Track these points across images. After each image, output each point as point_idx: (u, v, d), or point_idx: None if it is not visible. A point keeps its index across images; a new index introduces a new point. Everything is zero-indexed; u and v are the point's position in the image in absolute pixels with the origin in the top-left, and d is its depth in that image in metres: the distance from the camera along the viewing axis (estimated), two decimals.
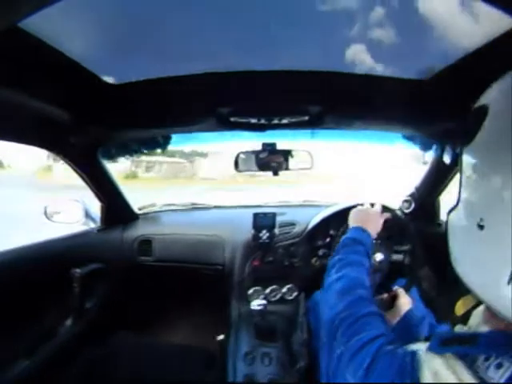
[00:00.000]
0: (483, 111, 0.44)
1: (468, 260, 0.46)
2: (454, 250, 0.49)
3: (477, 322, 0.48)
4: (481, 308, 0.49)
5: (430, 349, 0.43)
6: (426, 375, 0.41)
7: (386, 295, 0.99)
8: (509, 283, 0.37)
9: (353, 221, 0.89)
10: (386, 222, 0.96)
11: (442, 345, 0.42)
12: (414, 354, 0.44)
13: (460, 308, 0.53)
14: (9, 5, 0.40)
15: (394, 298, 0.97)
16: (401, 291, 0.99)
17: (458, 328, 0.50)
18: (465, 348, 0.41)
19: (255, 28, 0.78)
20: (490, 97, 0.46)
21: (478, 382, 0.37)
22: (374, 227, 0.87)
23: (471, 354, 0.40)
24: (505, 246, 0.37)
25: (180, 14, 0.75)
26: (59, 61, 0.70)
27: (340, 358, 0.51)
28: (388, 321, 0.92)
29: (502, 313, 0.39)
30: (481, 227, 0.41)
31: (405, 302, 0.94)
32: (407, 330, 0.87)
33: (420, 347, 0.45)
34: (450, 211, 0.51)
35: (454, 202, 0.51)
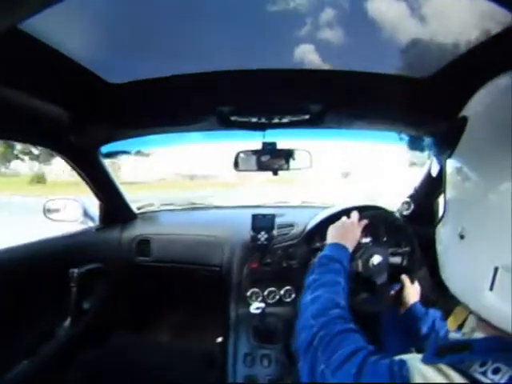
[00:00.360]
0: (463, 123, 0.46)
1: (452, 270, 0.47)
2: (440, 260, 0.51)
3: (470, 329, 0.48)
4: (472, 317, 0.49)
5: (424, 360, 0.42)
6: (415, 378, 0.40)
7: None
8: (491, 290, 0.38)
9: (330, 237, 0.90)
10: (366, 227, 0.99)
11: (437, 355, 0.42)
12: (402, 362, 0.43)
13: (452, 323, 0.52)
14: (9, 6, 0.40)
15: (401, 287, 0.99)
16: (407, 281, 1.01)
17: (452, 335, 0.50)
18: (460, 356, 0.40)
19: (254, 27, 0.78)
20: (469, 108, 0.48)
21: None
22: (352, 239, 0.89)
23: (467, 360, 0.39)
24: (484, 255, 0.39)
25: (180, 14, 0.75)
26: (59, 60, 0.71)
27: (323, 374, 0.51)
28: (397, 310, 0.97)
29: (488, 320, 0.40)
30: (462, 237, 0.43)
31: (411, 292, 0.97)
32: (411, 322, 0.89)
33: (408, 357, 0.45)
34: (438, 221, 0.52)
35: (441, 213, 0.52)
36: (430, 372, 0.40)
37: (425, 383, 0.39)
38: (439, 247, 0.52)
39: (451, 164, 0.49)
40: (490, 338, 0.42)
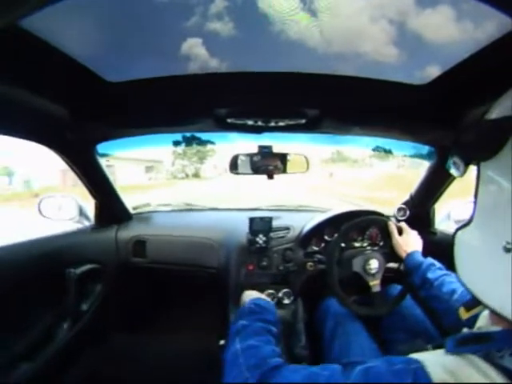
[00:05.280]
0: (508, 124, 0.42)
1: (489, 280, 0.45)
2: (468, 270, 0.49)
3: (485, 324, 0.51)
4: (486, 312, 0.52)
5: (448, 349, 0.45)
6: (441, 373, 0.42)
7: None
8: None
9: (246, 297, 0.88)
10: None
11: (459, 345, 0.44)
12: (415, 360, 0.45)
13: (464, 313, 0.56)
14: (9, 3, 0.41)
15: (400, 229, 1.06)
16: (405, 226, 1.06)
17: (465, 331, 0.52)
18: (481, 346, 0.43)
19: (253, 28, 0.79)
20: (505, 108, 0.44)
21: (501, 373, 0.39)
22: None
23: (486, 350, 0.42)
24: None
25: (180, 14, 0.76)
26: (58, 58, 0.71)
27: None
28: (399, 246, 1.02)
29: None
30: (508, 250, 0.41)
31: (409, 240, 1.02)
32: (406, 272, 0.96)
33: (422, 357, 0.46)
34: (460, 228, 0.51)
35: (465, 219, 0.51)
36: (452, 363, 0.42)
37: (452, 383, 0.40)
38: (464, 255, 0.50)
39: (488, 169, 0.45)
40: (509, 330, 0.44)
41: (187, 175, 15.88)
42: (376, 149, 1.35)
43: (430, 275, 0.88)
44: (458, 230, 0.51)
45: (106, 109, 0.97)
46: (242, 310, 0.77)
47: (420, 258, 0.95)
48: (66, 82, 0.82)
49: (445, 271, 0.89)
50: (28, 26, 0.59)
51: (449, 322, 0.81)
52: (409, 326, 1.01)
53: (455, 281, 0.83)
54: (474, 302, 0.54)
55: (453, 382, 0.40)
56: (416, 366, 0.44)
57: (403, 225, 1.06)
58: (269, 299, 0.85)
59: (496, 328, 0.47)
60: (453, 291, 0.81)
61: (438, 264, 0.92)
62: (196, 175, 16.17)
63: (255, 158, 1.07)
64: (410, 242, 1.01)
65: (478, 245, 0.47)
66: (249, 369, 0.54)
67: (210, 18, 0.73)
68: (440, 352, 0.46)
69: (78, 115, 0.95)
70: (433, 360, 0.44)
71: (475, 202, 0.48)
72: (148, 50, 0.84)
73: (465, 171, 0.54)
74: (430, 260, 0.93)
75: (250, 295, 0.89)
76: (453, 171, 0.56)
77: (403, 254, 0.99)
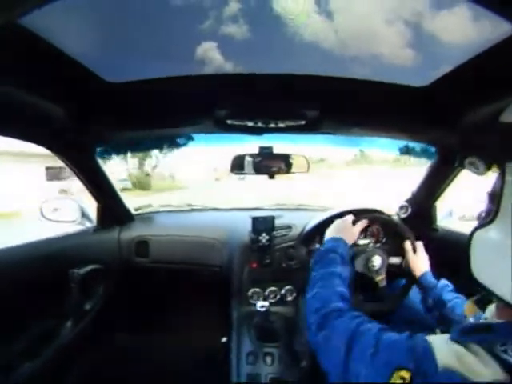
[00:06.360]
0: None
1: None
2: (490, 269, 0.50)
3: (491, 316, 0.53)
4: (493, 305, 0.54)
5: (452, 337, 0.47)
6: (448, 357, 0.44)
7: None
8: None
9: (327, 235, 0.94)
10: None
11: (463, 334, 0.46)
12: (424, 339, 0.48)
13: (470, 308, 0.59)
14: (9, 1, 0.40)
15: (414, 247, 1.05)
16: (420, 245, 1.05)
17: (475, 320, 0.56)
18: (484, 336, 0.45)
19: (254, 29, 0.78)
20: None
21: (500, 364, 0.41)
22: (350, 236, 0.92)
23: (489, 340, 0.44)
24: None
25: (179, 15, 0.75)
26: (58, 58, 0.70)
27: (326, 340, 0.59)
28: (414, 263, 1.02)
29: None
30: None
31: (418, 261, 1.02)
32: (424, 288, 0.97)
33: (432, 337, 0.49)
34: (479, 227, 0.52)
35: (484, 218, 0.52)
36: (458, 348, 0.45)
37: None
38: (487, 255, 0.51)
39: None
40: (510, 322, 0.46)
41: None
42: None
43: (444, 296, 0.90)
44: (476, 229, 0.52)
45: (106, 110, 0.97)
46: (313, 259, 0.85)
47: (433, 279, 0.97)
48: (66, 83, 0.81)
49: (457, 294, 0.91)
50: (28, 25, 0.58)
51: None
52: (416, 319, 1.02)
53: None
54: (484, 299, 0.56)
55: (457, 365, 0.42)
56: (424, 345, 0.47)
57: (419, 244, 1.06)
58: (338, 236, 0.89)
59: (499, 320, 0.49)
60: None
61: (450, 286, 0.94)
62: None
63: (256, 159, 1.08)
64: (423, 262, 1.02)
65: (501, 242, 0.48)
66: (312, 313, 0.66)
67: (224, 20, 0.73)
68: (446, 337, 0.48)
69: (78, 116, 0.95)
70: (441, 342, 0.47)
71: (499, 202, 0.49)
72: (148, 50, 0.83)
73: (486, 170, 0.54)
74: (443, 281, 0.95)
75: (330, 233, 0.93)
76: (472, 171, 0.56)
77: (417, 273, 1.01)
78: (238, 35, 0.75)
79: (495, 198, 0.51)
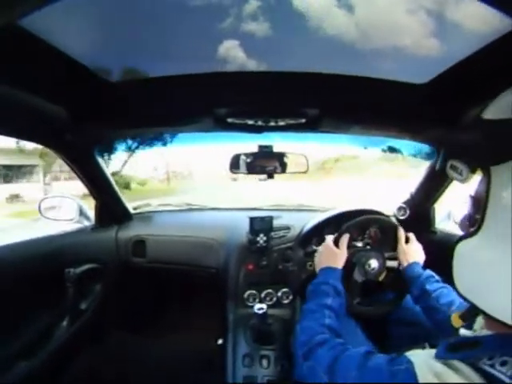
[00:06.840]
0: None
1: (503, 293, 0.41)
2: (475, 284, 0.46)
3: (480, 327, 0.52)
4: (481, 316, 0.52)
5: (437, 355, 0.45)
6: (428, 377, 0.43)
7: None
8: None
9: (317, 266, 0.98)
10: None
11: (448, 351, 0.45)
12: (407, 360, 0.48)
13: (457, 320, 0.56)
14: (9, 1, 0.41)
15: (407, 238, 1.06)
16: (412, 236, 1.06)
17: (463, 333, 0.54)
18: (470, 352, 0.43)
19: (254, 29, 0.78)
20: None
21: (485, 380, 0.39)
22: (338, 258, 0.95)
23: (474, 356, 0.42)
24: None
25: (179, 14, 0.75)
26: (58, 58, 0.70)
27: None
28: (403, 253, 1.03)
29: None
30: None
31: (410, 251, 1.02)
32: (409, 278, 0.97)
33: (414, 354, 0.49)
34: (462, 238, 0.48)
35: (467, 226, 0.50)
36: (439, 367, 0.43)
37: (438, 383, 0.42)
38: (471, 268, 0.47)
39: (502, 174, 0.42)
40: (499, 335, 0.44)
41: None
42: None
43: (429, 286, 0.90)
44: (459, 240, 0.49)
45: (105, 109, 0.97)
46: (307, 291, 0.89)
47: (420, 269, 0.96)
48: (65, 83, 0.82)
49: (442, 284, 0.90)
50: (28, 25, 0.59)
51: (446, 333, 0.82)
52: (417, 321, 1.01)
53: (453, 293, 0.84)
54: (470, 313, 0.54)
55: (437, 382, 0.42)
56: (407, 366, 0.47)
57: (411, 235, 1.07)
58: (329, 265, 0.93)
59: (488, 332, 0.47)
60: (450, 303, 0.83)
61: (436, 276, 0.93)
62: None
63: (255, 157, 1.08)
64: (413, 253, 1.02)
65: (486, 256, 0.44)
66: (300, 346, 0.71)
67: (245, 18, 0.73)
68: (431, 354, 0.47)
69: (78, 115, 0.95)
70: (423, 361, 0.46)
71: (484, 211, 0.45)
72: (148, 49, 0.84)
73: (469, 176, 0.50)
74: (429, 272, 0.95)
75: (319, 263, 0.97)
76: (454, 177, 0.52)
77: (405, 263, 1.00)
78: (259, 32, 0.75)
79: (479, 204, 0.47)
